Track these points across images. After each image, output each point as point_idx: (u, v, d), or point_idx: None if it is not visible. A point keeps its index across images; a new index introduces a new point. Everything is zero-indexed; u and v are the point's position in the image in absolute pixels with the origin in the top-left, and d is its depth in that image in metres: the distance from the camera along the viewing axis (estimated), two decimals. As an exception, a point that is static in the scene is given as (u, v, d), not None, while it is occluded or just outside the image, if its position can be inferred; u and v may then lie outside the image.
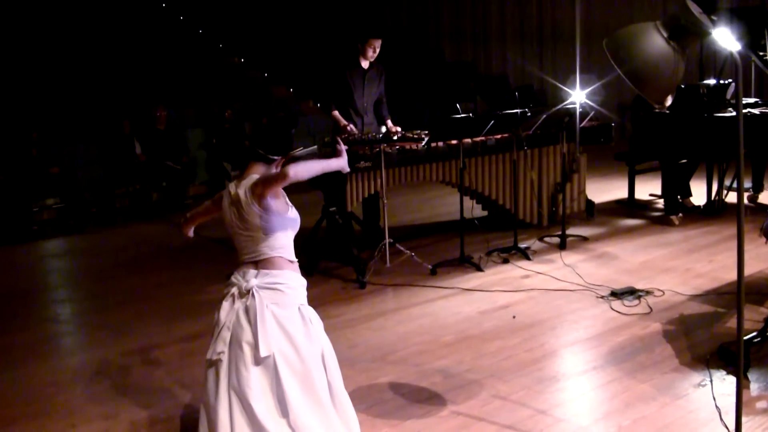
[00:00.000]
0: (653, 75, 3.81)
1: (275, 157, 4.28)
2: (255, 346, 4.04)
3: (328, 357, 4.25)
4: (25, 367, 6.17)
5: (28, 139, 11.36)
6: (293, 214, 4.29)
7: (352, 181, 7.98)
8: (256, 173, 4.24)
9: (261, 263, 4.19)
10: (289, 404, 4.04)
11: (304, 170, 4.13)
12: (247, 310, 4.12)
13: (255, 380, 4.05)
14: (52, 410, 5.33)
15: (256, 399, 4.04)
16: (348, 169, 4.39)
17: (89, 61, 14.94)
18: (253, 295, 4.10)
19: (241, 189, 4.16)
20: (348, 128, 8.28)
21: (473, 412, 4.93)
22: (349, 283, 7.80)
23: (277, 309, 4.10)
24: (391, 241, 8.13)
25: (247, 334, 4.08)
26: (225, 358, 4.12)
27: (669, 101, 8.15)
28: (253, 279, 4.15)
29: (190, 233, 4.92)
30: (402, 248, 8.19)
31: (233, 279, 4.24)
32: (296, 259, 4.31)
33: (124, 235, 10.96)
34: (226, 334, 4.15)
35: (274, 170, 4.28)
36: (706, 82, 9.91)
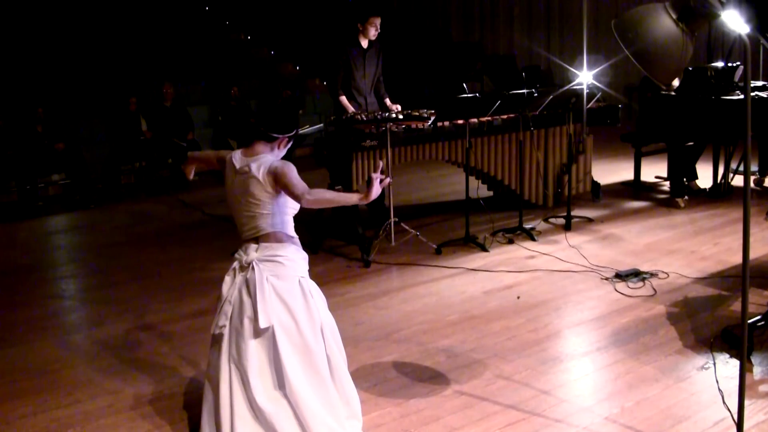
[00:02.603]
0: (661, 56, 3.81)
1: (278, 136, 4.30)
2: (255, 319, 4.09)
3: (327, 331, 4.29)
4: (30, 342, 6.19)
5: (33, 115, 11.35)
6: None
7: (358, 160, 7.97)
8: (262, 152, 4.28)
9: (261, 238, 4.23)
10: (286, 376, 4.10)
11: (317, 200, 4.15)
12: (247, 283, 4.18)
13: (253, 353, 4.12)
14: (56, 385, 5.35)
15: (253, 372, 4.11)
16: (364, 200, 4.33)
17: (96, 37, 14.92)
18: (252, 268, 4.16)
19: (254, 165, 4.19)
20: (357, 117, 8.25)
21: (476, 391, 4.94)
22: (354, 261, 7.81)
23: (277, 281, 4.15)
24: (396, 220, 8.13)
25: (247, 307, 4.14)
26: (226, 331, 4.19)
27: (676, 83, 8.11)
28: (253, 253, 4.21)
29: (191, 175, 4.96)
30: (407, 227, 8.19)
31: (236, 255, 4.30)
32: (296, 235, 4.36)
33: (129, 212, 10.96)
34: (227, 308, 4.22)
35: (277, 150, 4.36)
36: (714, 64, 9.87)
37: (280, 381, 4.13)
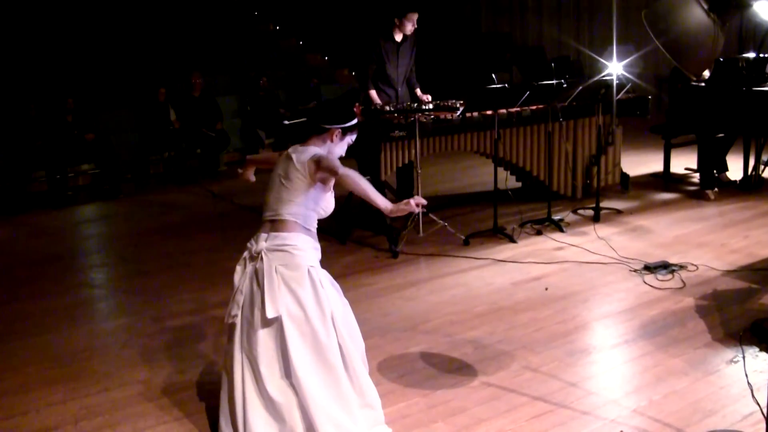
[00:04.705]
0: (692, 47, 3.79)
1: (328, 127, 4.33)
2: (263, 308, 4.11)
3: (339, 320, 4.27)
4: (59, 331, 6.25)
5: (63, 106, 11.42)
6: (328, 199, 4.39)
7: (386, 150, 7.96)
8: (315, 146, 4.36)
9: (275, 225, 4.26)
10: (293, 365, 4.11)
11: (353, 180, 4.20)
12: (257, 273, 4.21)
13: (262, 343, 4.15)
14: (85, 374, 5.39)
15: (262, 362, 4.15)
16: (390, 212, 4.34)
17: (126, 28, 14.99)
18: (262, 258, 4.18)
19: (302, 150, 4.29)
20: (384, 108, 8.23)
21: (504, 383, 4.94)
22: (382, 252, 7.81)
23: (286, 271, 4.16)
24: (425, 210, 8.12)
25: (257, 298, 4.17)
26: (238, 321, 4.24)
27: (707, 74, 8.08)
28: (263, 242, 4.24)
29: (251, 176, 4.95)
30: (435, 218, 8.19)
31: (248, 244, 4.33)
32: (314, 229, 4.37)
33: (158, 202, 11.02)
34: (239, 298, 4.26)
35: (330, 143, 4.41)
36: (745, 55, 9.78)
37: (288, 371, 4.15)
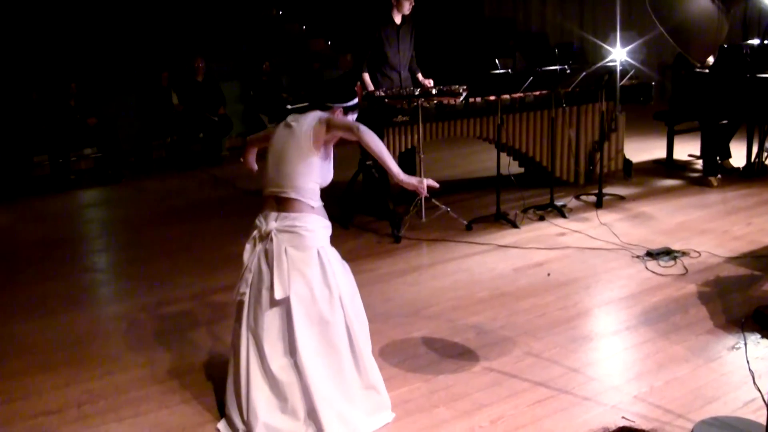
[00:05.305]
0: (696, 33, 3.77)
1: (331, 105, 4.34)
2: (271, 288, 4.12)
3: (347, 300, 4.29)
4: (62, 315, 6.26)
5: (66, 90, 11.41)
6: (328, 168, 4.37)
7: (389, 136, 7.97)
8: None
9: (282, 204, 4.25)
10: (297, 344, 4.13)
11: (370, 136, 4.18)
12: (266, 253, 4.21)
13: (268, 321, 4.18)
14: (88, 357, 5.41)
15: (266, 339, 4.17)
16: (400, 180, 4.33)
17: (128, 12, 14.95)
18: (271, 238, 4.18)
19: (300, 123, 4.26)
20: (378, 94, 8.23)
21: (506, 368, 4.94)
22: (385, 237, 7.82)
23: (295, 252, 4.16)
24: (427, 196, 8.10)
25: (265, 277, 4.18)
26: (246, 299, 4.25)
27: (711, 60, 8.06)
28: (272, 222, 4.24)
29: (253, 164, 4.93)
30: (438, 203, 8.18)
31: (256, 221, 4.34)
32: (320, 204, 4.35)
33: (160, 186, 11.02)
34: (248, 276, 4.28)
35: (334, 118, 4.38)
36: (749, 42, 9.75)
37: (292, 350, 4.17)
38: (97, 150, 11.95)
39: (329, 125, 4.19)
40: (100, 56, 13.54)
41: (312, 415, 4.18)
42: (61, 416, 4.62)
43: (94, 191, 11.01)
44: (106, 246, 8.35)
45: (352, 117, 4.49)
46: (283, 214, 4.23)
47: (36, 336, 5.84)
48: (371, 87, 8.51)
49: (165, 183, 11.24)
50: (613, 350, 5.21)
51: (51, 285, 7.02)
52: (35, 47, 13.27)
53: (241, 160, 4.93)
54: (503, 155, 8.63)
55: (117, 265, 7.73)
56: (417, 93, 7.92)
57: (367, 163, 8.05)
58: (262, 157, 4.52)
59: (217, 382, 4.82)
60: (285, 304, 4.15)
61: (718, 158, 9.68)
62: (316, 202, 4.31)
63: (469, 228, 7.95)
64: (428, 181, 4.27)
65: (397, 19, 8.61)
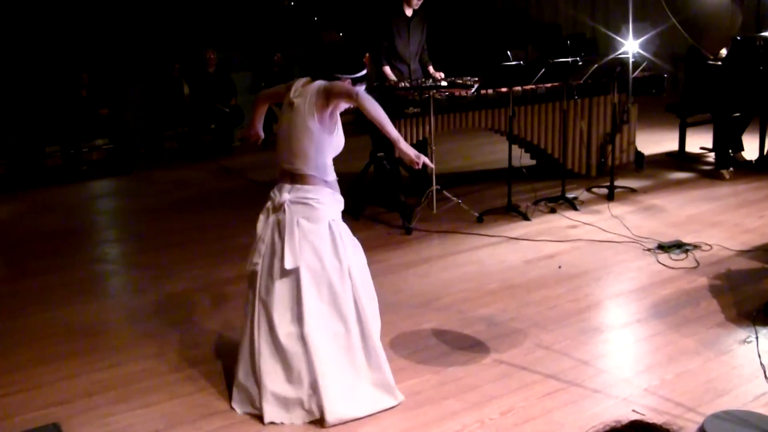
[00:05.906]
0: (709, 25, 3.76)
1: (339, 76, 4.33)
2: (282, 258, 4.18)
3: (356, 273, 4.33)
4: (72, 305, 6.28)
5: (78, 81, 11.44)
6: (338, 138, 4.40)
7: (401, 127, 7.95)
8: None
9: (296, 178, 4.30)
10: (304, 314, 4.19)
11: (370, 102, 4.17)
12: (279, 225, 4.27)
13: (279, 291, 4.23)
14: (98, 348, 5.42)
15: (276, 307, 4.24)
16: (399, 147, 4.31)
17: (141, 3, 14.95)
18: (284, 209, 4.23)
19: (303, 98, 4.26)
20: (397, 85, 8.23)
21: (516, 360, 4.94)
22: (395, 228, 7.82)
23: (307, 223, 4.22)
24: (438, 187, 8.12)
25: (278, 248, 4.25)
26: (259, 269, 4.31)
27: (724, 52, 8.02)
28: (286, 194, 4.30)
29: (260, 129, 4.94)
30: (449, 195, 8.18)
31: (270, 194, 4.39)
32: (334, 178, 4.39)
33: (171, 177, 11.03)
34: (261, 246, 4.34)
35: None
36: (763, 34, 9.70)
37: (300, 319, 4.22)
38: (108, 141, 11.99)
39: (328, 94, 4.19)
40: (111, 47, 13.56)
41: (315, 386, 4.21)
42: (71, 406, 4.63)
43: (105, 182, 11.03)
44: (116, 237, 8.37)
45: (360, 88, 4.46)
46: (297, 186, 4.29)
47: (46, 326, 5.86)
48: (393, 78, 8.53)
49: (176, 174, 11.25)
50: (623, 343, 5.20)
51: (61, 275, 7.03)
52: (47, 38, 13.29)
53: (250, 132, 4.94)
54: (515, 147, 8.61)
55: (128, 256, 7.75)
56: (429, 84, 7.92)
57: (379, 154, 8.05)
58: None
59: (227, 372, 4.82)
60: (295, 275, 4.20)
61: (730, 151, 9.64)
62: (330, 176, 4.36)
63: (480, 220, 7.94)
64: (424, 159, 4.27)
65: (408, 12, 8.62)
